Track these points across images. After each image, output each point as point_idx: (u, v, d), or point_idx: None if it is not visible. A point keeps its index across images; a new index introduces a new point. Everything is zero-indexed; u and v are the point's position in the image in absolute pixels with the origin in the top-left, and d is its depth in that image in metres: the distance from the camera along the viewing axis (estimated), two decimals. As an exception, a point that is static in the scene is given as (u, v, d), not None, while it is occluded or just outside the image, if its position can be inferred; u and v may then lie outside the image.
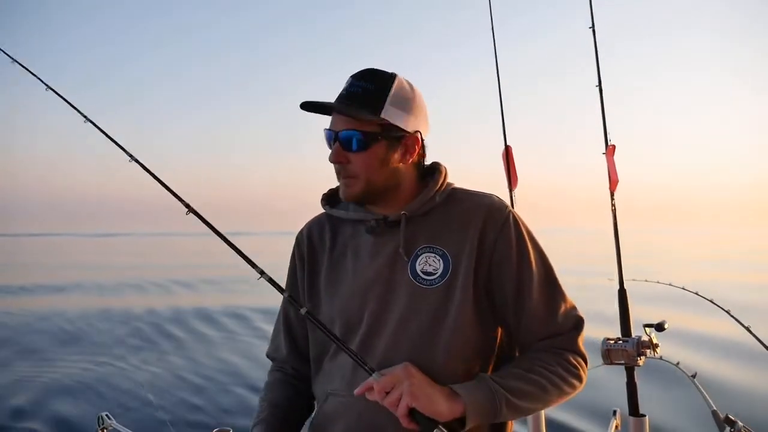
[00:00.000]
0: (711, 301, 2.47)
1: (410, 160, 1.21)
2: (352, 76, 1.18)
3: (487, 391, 1.06)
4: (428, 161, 1.27)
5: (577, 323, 1.19)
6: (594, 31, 2.14)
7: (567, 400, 1.16)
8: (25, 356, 7.85)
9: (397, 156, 1.19)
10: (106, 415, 1.97)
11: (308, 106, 1.19)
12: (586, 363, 1.19)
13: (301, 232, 1.35)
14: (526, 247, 1.19)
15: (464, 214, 1.19)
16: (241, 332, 9.75)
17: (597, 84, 2.11)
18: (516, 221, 1.20)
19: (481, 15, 2.45)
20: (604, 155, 2.06)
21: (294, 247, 1.34)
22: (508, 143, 2.28)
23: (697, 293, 2.56)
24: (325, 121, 1.21)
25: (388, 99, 1.16)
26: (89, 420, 2.07)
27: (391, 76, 1.18)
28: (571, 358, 1.16)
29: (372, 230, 1.21)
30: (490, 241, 1.17)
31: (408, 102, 1.19)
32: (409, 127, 1.19)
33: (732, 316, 2.37)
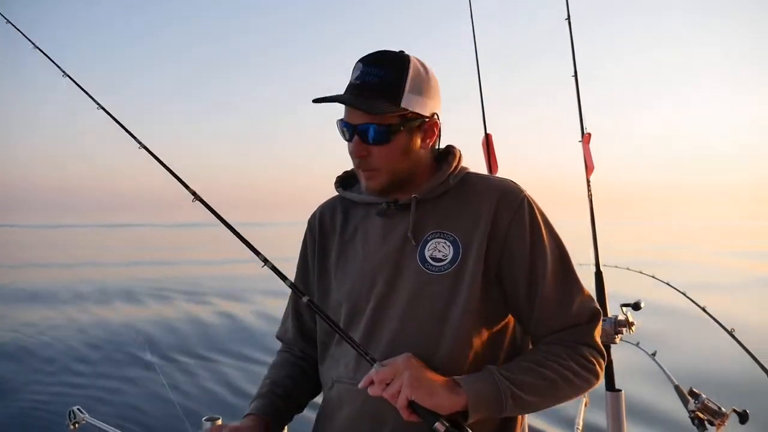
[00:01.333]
0: (668, 284, 2.62)
1: (429, 144, 1.18)
2: (362, 63, 1.12)
3: (492, 384, 1.03)
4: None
5: (593, 315, 1.13)
6: (570, 22, 2.21)
7: (580, 397, 1.14)
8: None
9: (418, 142, 1.15)
10: (78, 409, 1.87)
11: (322, 101, 1.12)
12: (603, 358, 1.14)
13: (313, 216, 1.32)
14: (541, 232, 1.14)
15: (477, 198, 1.16)
16: (220, 320, 9.59)
17: (573, 74, 2.18)
18: (531, 205, 1.15)
19: (460, 3, 2.48)
20: (580, 143, 2.14)
21: (306, 231, 1.31)
22: (488, 131, 2.33)
23: (653, 276, 2.70)
24: (332, 108, 1.16)
25: (407, 87, 1.11)
26: (59, 415, 1.96)
27: (406, 60, 1.13)
28: (587, 352, 1.11)
29: (383, 213, 1.18)
30: (503, 226, 1.12)
31: (424, 85, 1.14)
32: (427, 111, 1.15)
33: (688, 298, 2.52)
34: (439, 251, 1.13)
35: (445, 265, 1.12)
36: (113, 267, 20.00)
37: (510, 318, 1.17)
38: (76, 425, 1.86)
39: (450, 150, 1.24)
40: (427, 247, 1.14)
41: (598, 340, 1.14)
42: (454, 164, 1.20)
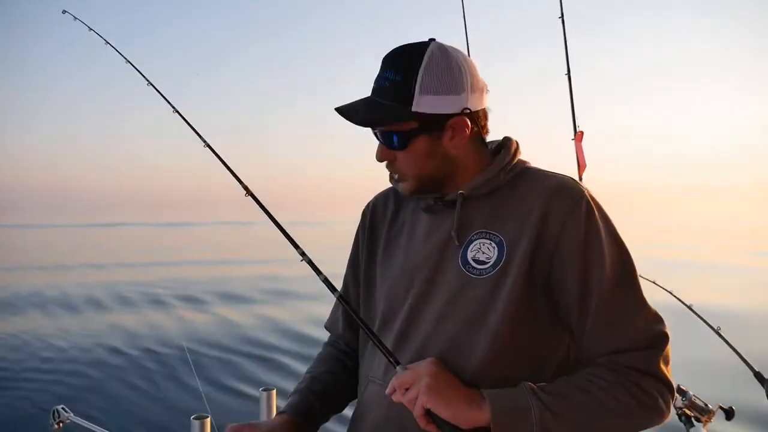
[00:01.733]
0: (654, 283, 2.64)
1: (463, 141, 1.07)
2: (382, 62, 1.07)
3: (523, 403, 0.94)
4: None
5: (657, 339, 1.00)
6: (563, 20, 2.22)
7: None
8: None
9: (444, 143, 1.06)
10: (62, 408, 1.84)
11: (338, 110, 1.09)
12: (670, 391, 0.99)
13: (367, 206, 1.27)
14: (600, 237, 1.01)
15: (530, 195, 1.05)
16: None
17: (566, 72, 2.19)
18: (590, 206, 1.02)
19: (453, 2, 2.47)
20: (573, 141, 2.14)
21: (360, 221, 1.27)
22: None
23: (641, 276, 2.72)
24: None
25: (417, 90, 1.02)
26: (43, 414, 1.93)
27: (422, 55, 1.03)
28: (645, 383, 0.97)
29: (429, 209, 1.12)
30: (555, 228, 1.01)
31: (444, 81, 1.04)
32: (451, 108, 1.04)
33: (674, 296, 2.54)
34: (483, 253, 1.05)
35: (487, 268, 1.04)
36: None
37: (563, 335, 1.05)
38: (61, 424, 1.83)
39: (504, 143, 1.14)
40: (470, 248, 1.06)
41: (665, 369, 0.99)
42: (507, 158, 1.10)
